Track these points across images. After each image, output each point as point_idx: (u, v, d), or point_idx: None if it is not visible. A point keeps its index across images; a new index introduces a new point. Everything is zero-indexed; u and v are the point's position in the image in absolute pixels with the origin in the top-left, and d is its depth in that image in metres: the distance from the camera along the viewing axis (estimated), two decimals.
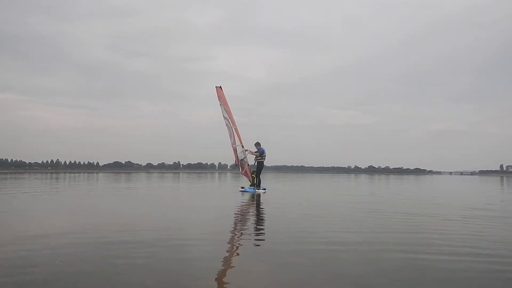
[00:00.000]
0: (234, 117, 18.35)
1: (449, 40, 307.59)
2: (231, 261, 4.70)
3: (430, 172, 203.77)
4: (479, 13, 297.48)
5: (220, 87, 18.39)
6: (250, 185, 17.72)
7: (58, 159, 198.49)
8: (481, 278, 4.07)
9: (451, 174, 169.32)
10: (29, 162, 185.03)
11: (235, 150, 18.33)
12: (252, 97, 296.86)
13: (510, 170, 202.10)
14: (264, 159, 17.49)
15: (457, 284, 3.88)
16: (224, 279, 3.90)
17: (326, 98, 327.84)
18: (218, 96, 18.53)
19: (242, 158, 18.01)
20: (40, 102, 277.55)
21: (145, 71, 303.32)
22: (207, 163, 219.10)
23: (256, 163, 17.56)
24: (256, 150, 17.50)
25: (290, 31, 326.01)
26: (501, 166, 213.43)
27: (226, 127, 18.58)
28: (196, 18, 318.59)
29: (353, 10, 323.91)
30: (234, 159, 18.46)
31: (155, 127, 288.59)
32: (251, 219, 8.99)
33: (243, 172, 18.27)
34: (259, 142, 17.53)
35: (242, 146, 17.92)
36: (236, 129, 18.01)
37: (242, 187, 18.01)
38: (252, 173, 17.73)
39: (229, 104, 18.32)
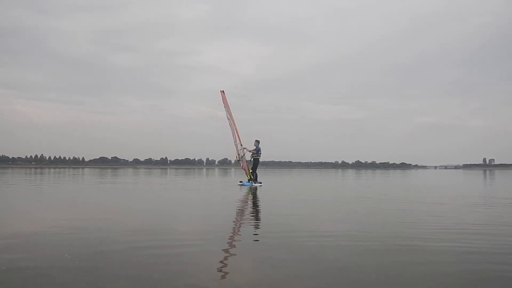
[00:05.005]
0: (225, 114, 19.64)
1: (435, 34, 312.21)
2: (223, 256, 4.63)
3: (416, 166, 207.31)
4: (464, 7, 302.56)
5: (223, 91, 19.51)
6: (248, 180, 18.41)
7: (42, 154, 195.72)
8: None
9: (435, 168, 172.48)
10: (13, 157, 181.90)
11: (237, 148, 19.30)
12: (239, 92, 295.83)
13: (493, 163, 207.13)
14: (260, 156, 18.57)
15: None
16: (216, 275, 3.85)
17: (312, 92, 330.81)
18: (222, 100, 19.55)
19: (242, 155, 19.07)
20: (25, 96, 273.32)
21: (132, 66, 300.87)
22: (194, 159, 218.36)
23: (252, 160, 18.52)
24: (255, 146, 18.54)
25: (277, 26, 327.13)
26: (484, 160, 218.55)
27: (230, 127, 19.53)
28: (183, 13, 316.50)
29: (339, 4, 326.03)
30: (236, 155, 19.44)
31: (142, 122, 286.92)
32: (247, 212, 9.09)
33: (242, 167, 19.27)
34: (258, 140, 18.66)
35: (241, 144, 18.95)
36: (235, 129, 18.97)
37: (240, 181, 18.62)
38: (250, 168, 18.52)
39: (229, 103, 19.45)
